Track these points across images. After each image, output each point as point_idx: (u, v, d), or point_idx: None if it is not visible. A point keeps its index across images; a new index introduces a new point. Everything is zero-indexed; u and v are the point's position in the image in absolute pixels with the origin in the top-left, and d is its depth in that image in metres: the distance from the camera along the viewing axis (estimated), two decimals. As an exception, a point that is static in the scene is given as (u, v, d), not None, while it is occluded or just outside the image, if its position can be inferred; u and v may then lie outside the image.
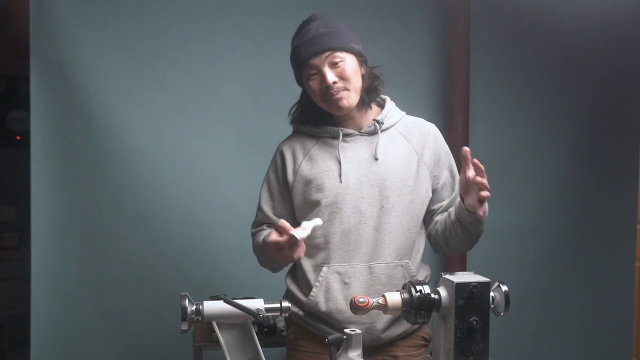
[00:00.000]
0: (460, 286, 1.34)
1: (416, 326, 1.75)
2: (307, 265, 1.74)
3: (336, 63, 1.66)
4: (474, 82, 2.96)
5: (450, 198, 1.78)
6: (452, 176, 1.79)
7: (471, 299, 1.34)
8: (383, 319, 1.68)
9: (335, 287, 1.69)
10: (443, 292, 1.38)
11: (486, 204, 1.59)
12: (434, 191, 1.77)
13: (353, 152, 1.73)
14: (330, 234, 1.69)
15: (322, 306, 1.70)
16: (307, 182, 1.72)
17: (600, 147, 3.12)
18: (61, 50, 2.66)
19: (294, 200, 1.76)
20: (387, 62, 2.84)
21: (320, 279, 1.70)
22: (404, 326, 1.73)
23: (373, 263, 1.69)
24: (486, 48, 3.02)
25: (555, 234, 3.13)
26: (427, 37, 3.01)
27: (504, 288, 1.40)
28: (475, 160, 1.50)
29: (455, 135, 2.95)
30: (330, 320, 1.71)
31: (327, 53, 1.65)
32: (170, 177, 2.79)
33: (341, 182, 1.70)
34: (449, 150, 1.81)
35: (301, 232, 1.52)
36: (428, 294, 1.38)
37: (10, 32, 3.79)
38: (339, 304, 1.68)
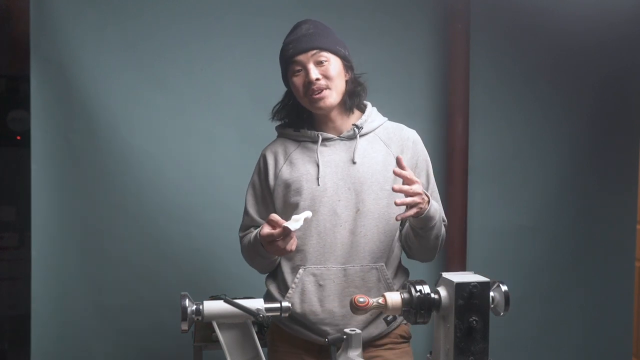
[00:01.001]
0: (460, 286, 1.34)
1: (393, 327, 1.77)
2: (285, 266, 1.77)
3: (321, 62, 1.71)
4: (474, 82, 2.96)
5: None
6: (428, 182, 1.82)
7: (471, 299, 1.34)
8: (358, 320, 1.70)
9: (310, 289, 1.72)
10: (443, 292, 1.38)
11: (432, 209, 1.62)
12: None
13: (331, 155, 1.76)
14: (306, 236, 1.73)
15: (297, 307, 1.72)
16: (287, 186, 1.76)
17: (600, 147, 3.12)
18: (61, 50, 2.66)
19: (276, 203, 1.80)
20: (387, 63, 2.89)
21: (296, 280, 1.74)
22: (380, 327, 1.75)
23: (348, 265, 1.72)
24: (486, 48, 3.02)
25: (555, 234, 3.13)
26: (427, 37, 3.01)
27: (504, 288, 1.41)
28: (395, 169, 1.55)
29: (455, 135, 2.95)
30: (305, 322, 1.74)
31: (314, 51, 1.71)
32: (170, 176, 2.79)
33: (319, 185, 1.73)
34: (428, 157, 1.84)
35: (294, 224, 1.56)
36: (428, 293, 1.38)
37: (10, 32, 3.79)
38: (314, 305, 1.72)
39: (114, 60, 2.71)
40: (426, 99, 3.02)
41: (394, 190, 1.57)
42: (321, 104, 1.72)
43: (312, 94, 1.71)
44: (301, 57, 1.71)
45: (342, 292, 1.71)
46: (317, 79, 1.70)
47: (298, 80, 1.73)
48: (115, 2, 2.73)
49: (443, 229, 1.77)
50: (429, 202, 1.62)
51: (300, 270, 1.73)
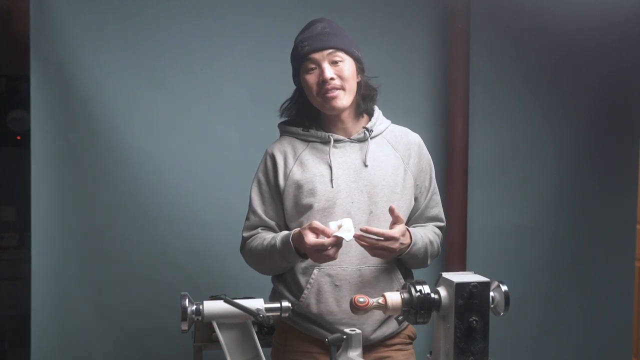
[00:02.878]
0: (460, 286, 1.34)
1: (403, 326, 1.79)
2: (297, 267, 1.76)
3: (336, 62, 1.71)
4: (474, 82, 2.96)
5: (422, 207, 1.85)
6: (430, 184, 1.86)
7: (471, 299, 1.34)
8: (372, 320, 1.72)
9: (327, 289, 1.72)
10: (443, 292, 1.38)
11: (414, 249, 1.70)
12: (415, 200, 1.83)
13: (343, 157, 1.77)
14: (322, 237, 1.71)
15: (314, 308, 1.72)
16: (299, 187, 1.75)
17: (600, 147, 3.12)
18: (61, 50, 2.66)
19: (285, 204, 1.78)
20: (387, 63, 2.89)
21: (311, 281, 1.73)
22: (392, 327, 1.76)
23: (362, 266, 1.73)
24: (486, 48, 3.02)
25: (555, 234, 3.13)
26: (427, 37, 3.01)
27: (504, 288, 1.41)
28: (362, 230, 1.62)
29: (455, 135, 2.95)
30: (320, 322, 1.74)
31: (330, 50, 1.70)
32: (171, 177, 2.79)
33: (332, 187, 1.73)
34: (431, 160, 1.88)
35: (347, 234, 1.56)
36: (428, 293, 1.38)
37: (10, 32, 3.79)
38: (330, 305, 1.72)
39: (114, 60, 2.71)
40: (426, 99, 3.02)
41: (361, 229, 1.61)
42: (333, 104, 1.72)
43: (325, 94, 1.70)
44: (316, 55, 1.70)
45: (358, 292, 1.69)
46: (332, 79, 1.69)
47: (311, 79, 1.72)
48: (115, 2, 2.73)
49: (435, 248, 1.80)
50: (410, 245, 1.67)
51: (315, 271, 1.73)
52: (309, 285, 1.73)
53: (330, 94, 1.70)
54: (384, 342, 1.77)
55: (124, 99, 2.73)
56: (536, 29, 3.00)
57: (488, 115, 3.05)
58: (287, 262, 1.72)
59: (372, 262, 1.73)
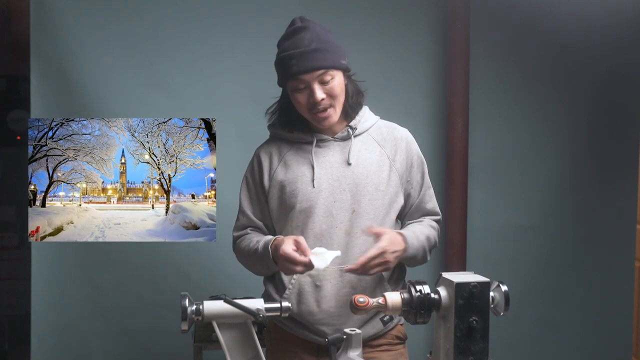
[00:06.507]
0: (460, 286, 1.34)
1: (389, 327, 1.78)
2: None
3: (327, 81, 1.68)
4: (474, 82, 2.96)
5: (415, 202, 1.83)
6: (422, 179, 1.84)
7: (471, 299, 1.35)
8: (354, 320, 1.71)
9: (307, 289, 1.73)
10: (443, 292, 1.38)
11: (410, 252, 1.70)
12: (408, 196, 1.81)
13: (326, 157, 1.76)
14: (303, 237, 1.70)
15: (294, 308, 1.72)
16: (282, 187, 1.76)
17: (600, 147, 3.12)
18: (61, 50, 2.66)
19: (270, 204, 1.79)
20: (386, 63, 2.89)
21: (293, 281, 1.74)
22: (376, 327, 1.76)
23: (344, 266, 1.71)
24: (486, 48, 3.02)
25: (555, 233, 3.13)
26: (427, 37, 3.01)
27: (504, 288, 1.41)
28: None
29: (455, 135, 2.95)
30: (302, 322, 1.75)
31: (320, 71, 1.66)
32: (170, 177, 2.79)
33: (314, 187, 1.73)
34: (421, 154, 1.85)
35: (321, 263, 1.57)
36: (428, 293, 1.38)
37: (10, 32, 3.79)
38: (310, 306, 1.72)
39: (114, 60, 2.72)
40: (426, 99, 3.02)
41: (346, 271, 1.63)
42: (325, 123, 1.72)
43: (317, 113, 1.70)
44: (306, 77, 1.66)
45: (339, 293, 1.71)
46: (322, 99, 1.67)
47: (302, 98, 1.70)
48: (115, 2, 2.73)
49: (432, 242, 1.79)
50: (404, 249, 1.66)
51: None
52: (290, 285, 1.74)
53: (322, 114, 1.70)
54: (368, 342, 1.76)
55: (124, 98, 2.73)
56: (536, 29, 3.00)
57: (488, 115, 3.05)
58: (266, 267, 1.73)
59: (354, 262, 1.70)
